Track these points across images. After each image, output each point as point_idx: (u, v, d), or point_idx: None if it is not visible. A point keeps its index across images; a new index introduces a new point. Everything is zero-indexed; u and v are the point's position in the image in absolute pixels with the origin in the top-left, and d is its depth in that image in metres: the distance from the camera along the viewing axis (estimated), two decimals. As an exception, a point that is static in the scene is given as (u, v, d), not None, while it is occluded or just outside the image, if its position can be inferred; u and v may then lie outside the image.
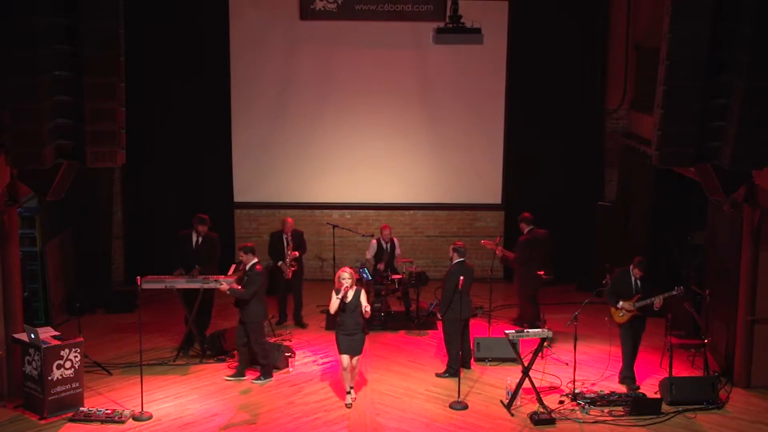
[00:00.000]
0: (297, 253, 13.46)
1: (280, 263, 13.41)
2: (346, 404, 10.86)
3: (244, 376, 11.64)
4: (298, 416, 10.62)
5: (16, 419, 10.49)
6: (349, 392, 10.91)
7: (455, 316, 11.43)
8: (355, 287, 10.78)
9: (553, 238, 13.67)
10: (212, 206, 14.66)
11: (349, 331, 10.74)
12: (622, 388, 11.35)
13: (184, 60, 15.27)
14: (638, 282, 11.29)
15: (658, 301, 11.13)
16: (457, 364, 11.51)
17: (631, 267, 11.33)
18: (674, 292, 11.11)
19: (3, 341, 10.90)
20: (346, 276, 10.75)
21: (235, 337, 11.78)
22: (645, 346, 12.89)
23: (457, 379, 11.10)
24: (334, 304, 10.73)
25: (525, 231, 13.39)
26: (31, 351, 10.58)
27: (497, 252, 13.61)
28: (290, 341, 12.88)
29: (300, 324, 13.67)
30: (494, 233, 15.36)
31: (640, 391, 11.26)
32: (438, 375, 11.83)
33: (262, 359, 11.56)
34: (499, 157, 16.01)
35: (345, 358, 10.77)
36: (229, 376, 11.65)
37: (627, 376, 11.49)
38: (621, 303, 11.31)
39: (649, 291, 11.21)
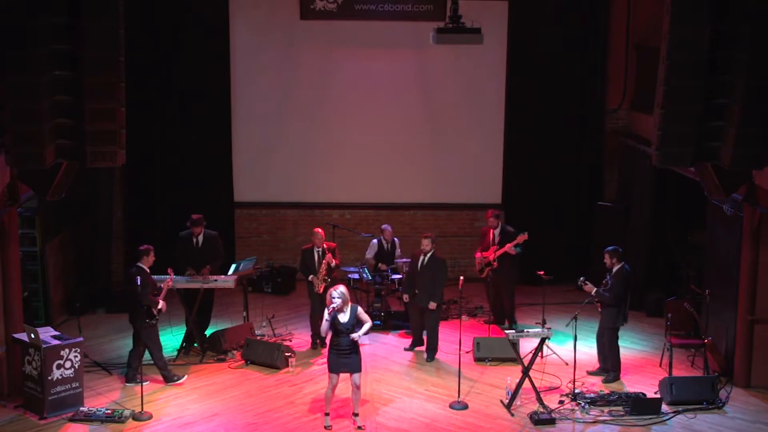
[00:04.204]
0: (331, 262, 12.60)
1: (311, 277, 12.68)
2: (324, 426, 10.19)
3: None
4: (298, 416, 10.62)
5: (16, 419, 10.49)
6: (327, 414, 10.24)
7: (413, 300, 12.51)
8: (350, 305, 10.00)
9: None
10: (212, 206, 14.65)
11: (343, 350, 10.01)
12: (623, 389, 11.35)
13: (185, 60, 15.27)
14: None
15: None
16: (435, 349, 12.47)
17: None
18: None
19: (3, 341, 10.91)
20: (335, 295, 9.86)
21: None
22: (645, 346, 12.92)
23: (457, 378, 11.12)
24: (324, 325, 9.97)
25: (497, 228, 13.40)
26: (31, 351, 10.58)
27: (493, 256, 13.22)
28: (290, 341, 12.90)
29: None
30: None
31: (621, 379, 11.52)
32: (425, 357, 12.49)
33: None
34: (499, 157, 15.99)
35: (333, 377, 10.15)
36: None
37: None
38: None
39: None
